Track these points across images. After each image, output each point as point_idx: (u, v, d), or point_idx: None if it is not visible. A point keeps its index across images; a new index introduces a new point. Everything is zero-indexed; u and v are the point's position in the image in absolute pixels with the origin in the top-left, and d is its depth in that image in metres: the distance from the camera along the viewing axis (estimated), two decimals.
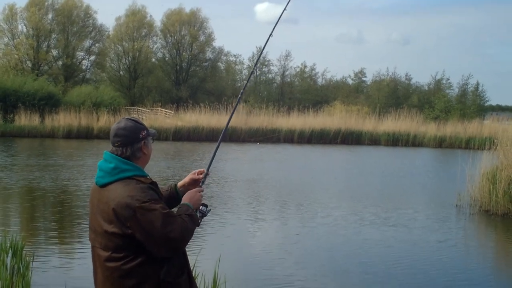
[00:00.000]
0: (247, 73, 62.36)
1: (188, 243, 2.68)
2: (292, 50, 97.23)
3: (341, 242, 8.86)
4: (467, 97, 55.46)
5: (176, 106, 42.58)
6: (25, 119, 32.14)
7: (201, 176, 3.08)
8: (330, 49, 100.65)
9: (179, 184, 3.09)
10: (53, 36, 49.49)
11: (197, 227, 2.76)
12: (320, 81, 65.34)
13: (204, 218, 2.91)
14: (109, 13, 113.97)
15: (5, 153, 21.65)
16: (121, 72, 54.29)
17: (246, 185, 14.97)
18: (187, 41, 54.93)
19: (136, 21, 51.95)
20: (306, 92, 61.16)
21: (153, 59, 55.84)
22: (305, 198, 13.03)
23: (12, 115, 33.14)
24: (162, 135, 31.15)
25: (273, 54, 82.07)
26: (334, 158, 25.97)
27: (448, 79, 59.80)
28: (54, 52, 50.36)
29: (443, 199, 13.14)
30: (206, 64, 57.62)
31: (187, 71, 55.90)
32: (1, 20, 47.73)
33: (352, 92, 61.31)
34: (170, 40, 55.26)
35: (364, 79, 65.76)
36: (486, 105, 57.01)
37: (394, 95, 58.14)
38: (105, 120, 32.51)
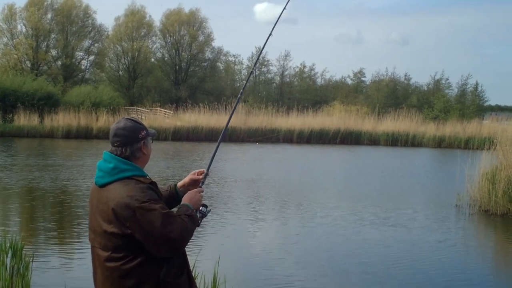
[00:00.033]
0: (246, 73, 62.38)
1: (188, 243, 2.68)
2: (291, 50, 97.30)
3: (340, 242, 8.86)
4: (466, 97, 55.47)
5: (175, 106, 42.55)
6: (24, 119, 32.12)
7: (201, 176, 3.08)
8: (329, 49, 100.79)
9: (179, 184, 3.09)
10: (52, 36, 49.49)
11: (197, 227, 2.76)
12: (319, 81, 65.48)
13: (204, 219, 2.91)
14: (108, 13, 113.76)
15: (4, 153, 21.63)
16: (120, 72, 54.30)
17: (246, 185, 14.97)
18: (186, 41, 54.94)
19: (135, 21, 51.96)
20: (305, 92, 61.17)
21: (152, 59, 55.86)
22: (305, 198, 13.03)
23: (11, 115, 33.12)
24: (161, 135, 31.16)
25: (272, 54, 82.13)
26: (333, 158, 25.97)
27: (447, 79, 59.90)
28: (53, 52, 50.38)
29: (443, 199, 13.15)
30: (205, 64, 57.63)
31: (186, 71, 55.90)
32: (0, 20, 47.80)
33: (351, 92, 61.33)
34: (169, 40, 55.26)
35: (363, 79, 65.87)
36: (485, 105, 57.04)
37: (393, 95, 58.16)
38: (104, 120, 32.51)
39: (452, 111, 43.81)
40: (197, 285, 2.94)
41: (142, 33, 53.31)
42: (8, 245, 5.94)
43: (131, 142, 2.67)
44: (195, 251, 7.03)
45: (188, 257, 2.81)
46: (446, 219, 11.01)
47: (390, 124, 36.68)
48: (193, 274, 3.19)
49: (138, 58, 52.22)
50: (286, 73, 63.14)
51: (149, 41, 54.51)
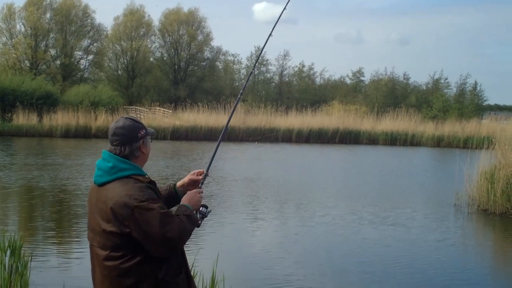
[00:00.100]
0: (245, 73, 62.38)
1: (187, 243, 2.68)
2: (291, 50, 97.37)
3: (339, 242, 8.87)
4: (465, 97, 55.46)
5: (174, 105, 42.54)
6: (23, 118, 32.10)
7: (200, 177, 3.07)
8: (329, 49, 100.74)
9: (178, 184, 3.08)
10: (51, 35, 49.46)
11: (196, 228, 2.76)
12: (318, 80, 65.49)
13: (204, 219, 2.90)
14: (107, 12, 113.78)
15: (3, 152, 21.61)
16: (119, 72, 54.29)
17: (245, 185, 14.98)
18: (185, 41, 54.92)
19: (134, 21, 51.95)
20: (304, 91, 61.18)
21: (151, 59, 55.86)
22: (304, 197, 13.04)
23: (10, 114, 33.11)
24: (160, 134, 31.17)
25: (271, 54, 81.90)
26: (332, 158, 25.98)
27: (446, 79, 59.88)
28: (52, 52, 50.35)
29: (441, 199, 13.16)
30: (204, 63, 57.62)
31: (185, 70, 55.88)
32: None
33: (350, 91, 61.33)
34: (168, 40, 55.25)
35: (362, 78, 65.88)
36: (484, 104, 57.03)
37: (392, 94, 58.19)
38: (103, 119, 32.51)
39: (451, 111, 43.84)
40: (196, 284, 2.94)
41: (141, 32, 53.32)
42: (6, 244, 5.93)
43: (130, 141, 2.67)
44: (194, 250, 7.04)
45: (187, 256, 2.81)
46: (445, 219, 11.02)
47: (389, 123, 36.71)
48: (191, 273, 3.19)
49: (137, 58, 52.22)
50: (285, 72, 63.20)
51: (148, 40, 54.58)
